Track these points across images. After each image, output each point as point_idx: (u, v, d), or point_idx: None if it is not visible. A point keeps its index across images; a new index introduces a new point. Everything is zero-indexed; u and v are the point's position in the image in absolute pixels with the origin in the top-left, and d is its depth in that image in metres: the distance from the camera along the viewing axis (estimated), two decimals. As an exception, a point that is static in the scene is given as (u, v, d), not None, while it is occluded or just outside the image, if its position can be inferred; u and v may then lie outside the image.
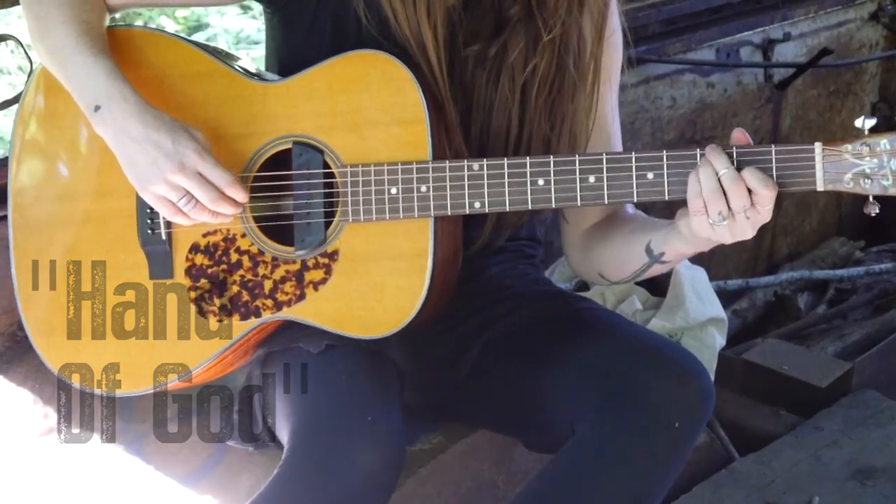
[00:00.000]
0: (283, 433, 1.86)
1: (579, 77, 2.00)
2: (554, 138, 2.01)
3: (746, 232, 1.78)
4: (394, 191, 1.87)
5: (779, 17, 3.89)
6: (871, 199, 1.73)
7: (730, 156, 1.76)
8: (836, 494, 2.76)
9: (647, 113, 3.57)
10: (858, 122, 1.74)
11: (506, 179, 1.84)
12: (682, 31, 3.61)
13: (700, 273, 3.10)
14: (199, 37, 5.54)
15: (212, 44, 2.13)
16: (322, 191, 1.90)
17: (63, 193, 2.03)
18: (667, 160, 1.81)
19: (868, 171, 1.72)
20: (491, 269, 2.13)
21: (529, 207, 1.85)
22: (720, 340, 3.01)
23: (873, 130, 1.73)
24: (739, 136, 1.79)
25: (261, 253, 1.94)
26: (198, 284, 1.96)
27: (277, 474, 1.79)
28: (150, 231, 1.97)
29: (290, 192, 1.92)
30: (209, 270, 1.96)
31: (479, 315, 2.08)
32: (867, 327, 3.59)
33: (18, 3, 2.11)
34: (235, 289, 1.95)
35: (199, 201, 1.87)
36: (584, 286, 3.14)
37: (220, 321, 1.95)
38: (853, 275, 3.92)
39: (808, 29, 4.03)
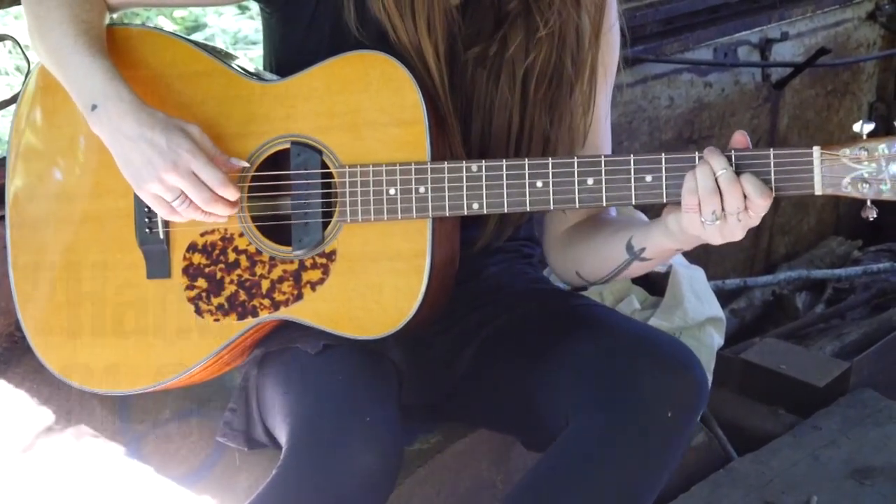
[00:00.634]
0: (281, 433, 1.86)
1: (577, 72, 2.00)
2: (553, 135, 2.01)
3: (736, 234, 1.78)
4: (392, 191, 1.87)
5: (776, 17, 3.89)
6: (869, 203, 1.73)
7: (729, 158, 1.76)
8: (835, 494, 2.76)
9: (645, 112, 3.57)
10: (857, 127, 1.74)
11: (504, 181, 1.84)
12: (679, 31, 3.61)
13: (698, 273, 3.10)
14: (196, 37, 5.51)
15: (210, 43, 2.13)
16: (320, 191, 1.90)
17: (61, 193, 2.03)
18: (665, 163, 1.80)
19: (866, 175, 1.73)
20: (489, 269, 2.13)
21: (528, 209, 1.85)
22: (718, 340, 3.01)
23: (871, 135, 1.73)
24: (740, 138, 1.79)
25: (258, 252, 1.94)
26: (195, 284, 1.96)
27: (276, 475, 1.79)
28: (147, 230, 1.97)
29: (289, 192, 1.92)
30: (206, 270, 1.96)
31: (476, 314, 2.08)
32: (865, 327, 3.59)
33: (17, 4, 2.11)
34: (233, 288, 1.94)
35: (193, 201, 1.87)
36: (583, 286, 3.13)
37: (216, 320, 1.95)
38: (851, 274, 3.93)
39: (806, 28, 4.03)
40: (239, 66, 2.00)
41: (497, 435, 2.25)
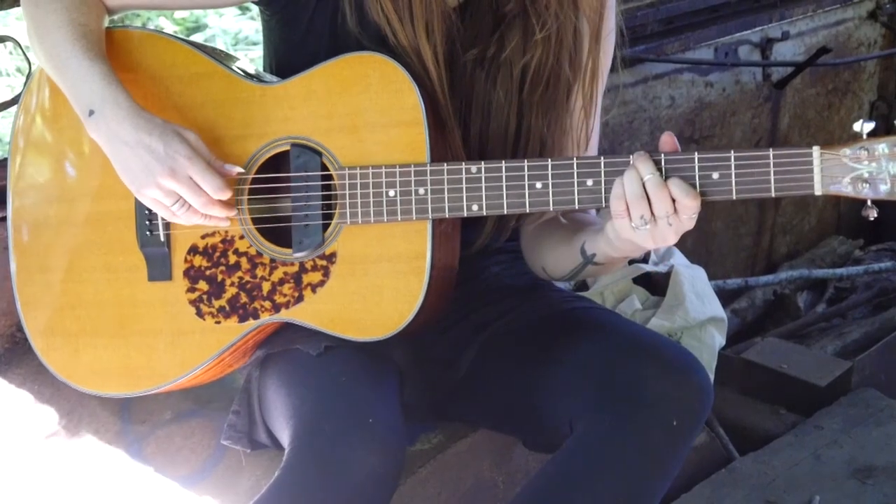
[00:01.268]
0: (283, 435, 1.86)
1: (574, 75, 2.00)
2: (550, 137, 2.01)
3: (668, 238, 1.78)
4: (392, 193, 1.87)
5: (777, 16, 3.89)
6: (869, 202, 1.73)
7: (657, 163, 1.76)
8: (836, 493, 2.76)
9: (646, 112, 3.57)
10: (857, 126, 1.73)
11: (503, 182, 1.84)
12: (680, 31, 3.61)
13: (699, 272, 3.10)
14: (197, 38, 5.54)
15: (210, 45, 2.13)
16: (320, 193, 1.90)
17: (62, 195, 2.03)
18: (664, 164, 1.80)
19: (866, 175, 1.72)
20: (490, 270, 2.13)
21: (528, 210, 1.85)
22: (720, 340, 3.01)
23: (872, 134, 1.72)
24: (668, 140, 1.80)
25: (259, 255, 1.94)
26: (196, 286, 1.96)
27: (279, 476, 1.79)
28: (148, 233, 1.97)
29: (289, 194, 1.92)
30: (207, 272, 1.96)
31: (478, 314, 2.08)
32: (866, 326, 3.59)
33: (18, 5, 2.11)
34: (234, 290, 1.95)
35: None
36: (584, 286, 3.14)
37: (218, 323, 1.95)
38: (852, 273, 3.93)
39: (807, 28, 4.03)
40: (239, 68, 2.00)
41: (498, 435, 2.25)
